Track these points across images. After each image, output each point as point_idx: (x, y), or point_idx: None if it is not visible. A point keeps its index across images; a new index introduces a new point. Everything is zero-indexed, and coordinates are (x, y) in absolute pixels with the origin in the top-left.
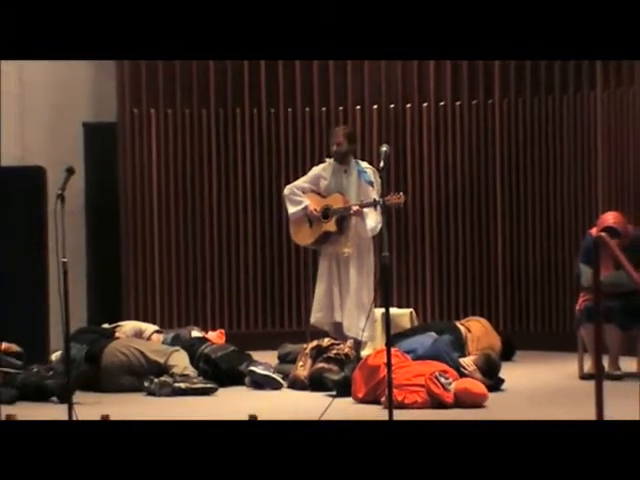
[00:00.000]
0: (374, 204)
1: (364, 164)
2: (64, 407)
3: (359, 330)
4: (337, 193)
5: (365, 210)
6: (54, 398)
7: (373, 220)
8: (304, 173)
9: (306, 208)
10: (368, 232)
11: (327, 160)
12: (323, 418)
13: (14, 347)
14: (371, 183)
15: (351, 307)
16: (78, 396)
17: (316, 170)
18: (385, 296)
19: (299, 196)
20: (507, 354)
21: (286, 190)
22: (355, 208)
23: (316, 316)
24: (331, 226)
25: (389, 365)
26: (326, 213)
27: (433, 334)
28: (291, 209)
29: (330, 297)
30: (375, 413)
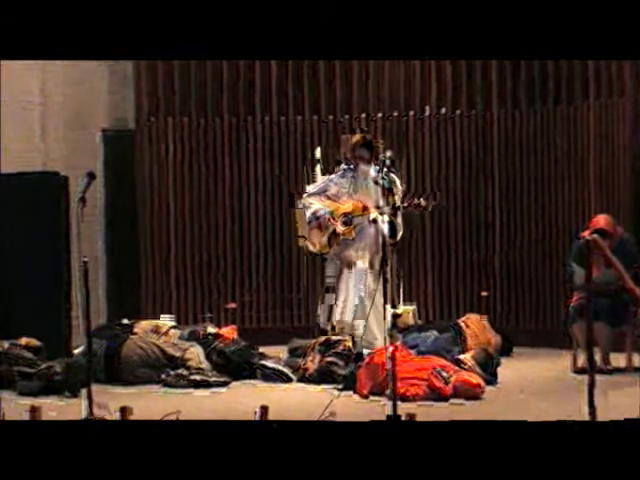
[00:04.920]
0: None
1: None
2: (81, 401)
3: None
4: (355, 200)
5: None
6: (67, 393)
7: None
8: (313, 177)
9: (324, 215)
10: (387, 238)
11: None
12: (328, 410)
13: (33, 341)
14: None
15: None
16: (94, 390)
17: (330, 177)
18: (389, 293)
19: (315, 204)
20: (507, 350)
21: (306, 199)
22: (372, 217)
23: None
24: (349, 233)
25: (393, 359)
26: (348, 220)
27: (435, 332)
28: (308, 218)
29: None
30: (378, 408)
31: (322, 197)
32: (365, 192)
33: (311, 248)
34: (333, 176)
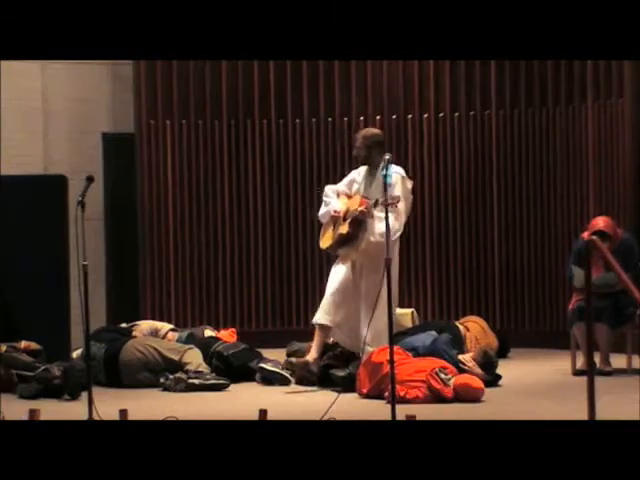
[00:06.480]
0: (374, 204)
1: (396, 168)
2: (81, 403)
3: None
4: (358, 195)
5: (379, 213)
6: (66, 396)
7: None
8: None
9: (331, 210)
10: (377, 236)
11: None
12: (329, 413)
13: (33, 345)
14: (390, 185)
15: (356, 318)
16: (95, 392)
17: (352, 174)
18: (388, 297)
19: (330, 197)
20: (502, 352)
21: (326, 189)
22: (360, 209)
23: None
24: (344, 228)
25: (392, 362)
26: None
27: (433, 333)
28: (320, 211)
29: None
30: (378, 408)
31: (342, 194)
32: (374, 189)
33: (321, 244)
34: (352, 172)
